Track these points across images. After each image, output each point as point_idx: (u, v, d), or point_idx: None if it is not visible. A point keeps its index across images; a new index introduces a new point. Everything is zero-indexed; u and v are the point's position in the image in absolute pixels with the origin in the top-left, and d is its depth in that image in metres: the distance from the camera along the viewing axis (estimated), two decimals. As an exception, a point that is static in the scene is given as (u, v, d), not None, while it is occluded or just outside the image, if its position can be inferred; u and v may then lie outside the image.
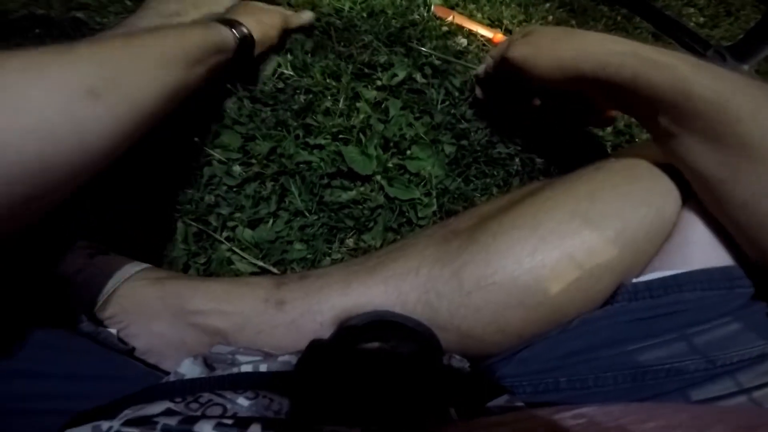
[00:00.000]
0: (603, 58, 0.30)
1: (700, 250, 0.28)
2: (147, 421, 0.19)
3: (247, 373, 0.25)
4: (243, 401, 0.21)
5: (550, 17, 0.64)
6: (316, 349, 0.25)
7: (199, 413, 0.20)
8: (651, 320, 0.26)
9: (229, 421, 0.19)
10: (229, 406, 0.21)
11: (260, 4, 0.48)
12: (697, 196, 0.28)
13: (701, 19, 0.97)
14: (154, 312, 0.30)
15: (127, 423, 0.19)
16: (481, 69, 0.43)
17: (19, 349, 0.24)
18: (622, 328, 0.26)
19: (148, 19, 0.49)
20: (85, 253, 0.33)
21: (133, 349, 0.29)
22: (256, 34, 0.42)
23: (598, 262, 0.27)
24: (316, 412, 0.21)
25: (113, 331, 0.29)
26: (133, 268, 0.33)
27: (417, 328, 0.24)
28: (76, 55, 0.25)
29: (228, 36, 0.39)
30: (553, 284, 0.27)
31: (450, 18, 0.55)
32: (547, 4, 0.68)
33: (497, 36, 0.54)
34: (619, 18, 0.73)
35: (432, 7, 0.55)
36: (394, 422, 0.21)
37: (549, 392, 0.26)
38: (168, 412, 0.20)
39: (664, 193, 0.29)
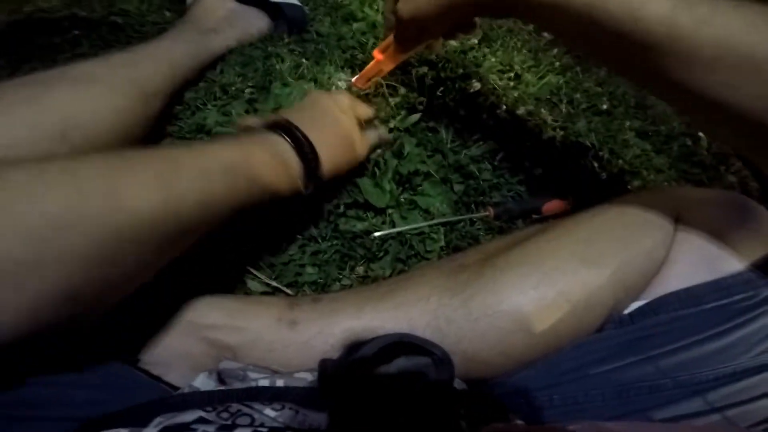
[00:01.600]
0: None
1: (676, 274, 0.31)
2: (185, 428, 0.20)
3: (265, 387, 0.26)
4: (270, 412, 0.22)
5: (557, 63, 0.68)
6: (335, 370, 0.27)
7: (230, 422, 0.21)
8: (631, 342, 0.30)
9: (263, 430, 0.20)
10: (256, 416, 0.22)
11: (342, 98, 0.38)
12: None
13: None
14: (165, 324, 0.31)
15: (164, 430, 0.20)
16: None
17: (25, 357, 0.24)
18: (608, 351, 0.29)
19: (186, 34, 0.51)
20: None
21: (138, 359, 0.30)
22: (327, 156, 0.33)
23: (593, 297, 0.30)
24: (339, 428, 0.23)
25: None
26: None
27: (433, 350, 0.26)
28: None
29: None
30: (552, 314, 0.30)
31: (369, 82, 0.48)
32: (555, 50, 0.71)
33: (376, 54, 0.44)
34: None
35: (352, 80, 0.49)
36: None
37: (544, 409, 0.29)
38: (202, 420, 0.21)
39: (654, 237, 0.32)
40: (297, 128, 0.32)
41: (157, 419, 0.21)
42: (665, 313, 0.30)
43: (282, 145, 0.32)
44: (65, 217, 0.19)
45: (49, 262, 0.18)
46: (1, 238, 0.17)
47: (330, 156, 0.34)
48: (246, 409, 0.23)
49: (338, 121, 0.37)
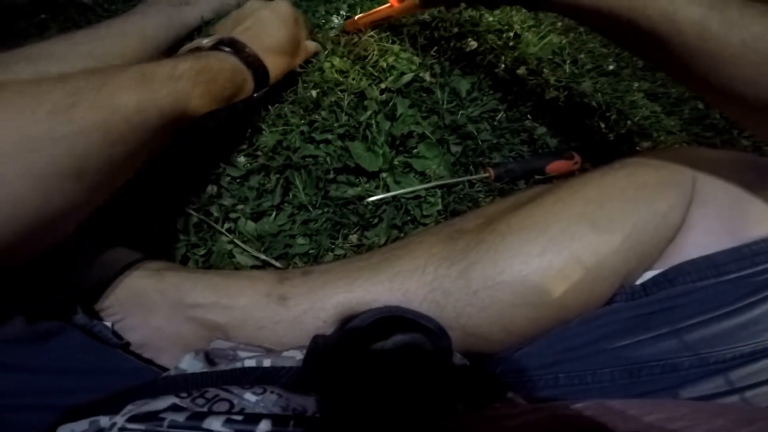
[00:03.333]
0: None
1: (693, 242, 0.29)
2: (153, 416, 0.19)
3: (251, 368, 0.25)
4: (250, 396, 0.21)
5: (559, 23, 0.64)
6: (326, 346, 0.25)
7: (206, 409, 0.20)
8: (645, 317, 0.27)
9: (239, 417, 0.18)
10: (236, 401, 0.20)
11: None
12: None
13: None
14: (152, 305, 0.29)
15: (132, 419, 0.19)
16: None
17: (6, 342, 0.23)
18: (619, 325, 0.27)
19: (157, 6, 0.48)
20: (79, 242, 0.32)
21: (128, 343, 0.29)
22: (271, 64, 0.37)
23: (604, 264, 0.27)
24: (326, 409, 0.21)
25: (108, 323, 0.28)
26: (129, 257, 0.32)
27: (428, 324, 0.24)
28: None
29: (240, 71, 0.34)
30: (559, 285, 0.27)
31: (358, 24, 0.48)
32: (556, 10, 0.67)
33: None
34: None
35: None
36: (404, 417, 0.21)
37: (548, 388, 0.27)
38: (174, 408, 0.19)
39: (670, 198, 0.29)
40: (242, 43, 0.36)
41: (128, 407, 0.20)
42: (682, 284, 0.27)
43: (231, 59, 0.35)
44: (62, 113, 0.22)
45: (58, 139, 0.22)
46: (17, 119, 0.21)
47: (273, 64, 0.38)
48: (224, 394, 0.21)
49: (278, 30, 0.40)
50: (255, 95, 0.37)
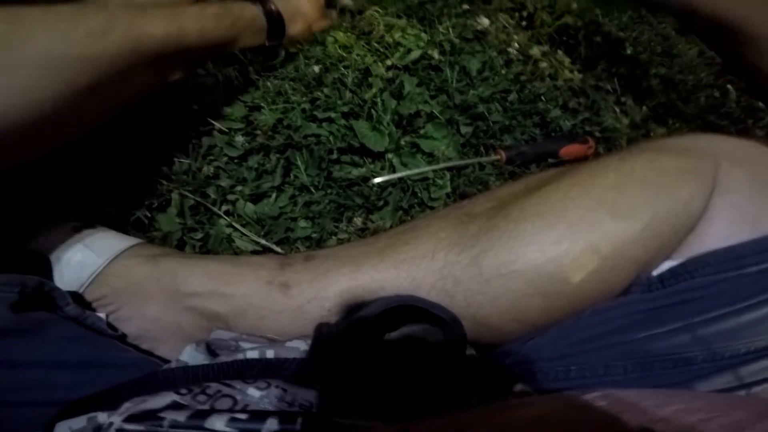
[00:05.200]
0: None
1: (714, 232, 0.28)
2: (152, 415, 0.17)
3: (254, 360, 0.24)
4: (254, 392, 0.19)
5: (574, 4, 0.62)
6: (332, 336, 0.24)
7: (207, 406, 0.18)
8: (661, 309, 0.26)
9: (243, 416, 0.17)
10: (239, 397, 0.19)
11: None
12: None
13: None
14: (148, 294, 0.28)
15: (130, 419, 0.17)
16: None
17: None
18: (634, 317, 0.26)
19: None
20: (69, 228, 0.30)
21: (124, 335, 0.27)
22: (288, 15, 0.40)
23: (622, 254, 0.26)
24: (334, 403, 0.20)
25: (102, 315, 0.27)
26: (123, 243, 0.30)
27: (441, 314, 0.23)
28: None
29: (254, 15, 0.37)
30: (575, 274, 0.26)
31: None
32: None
33: None
34: (643, 12, 0.72)
35: None
36: (415, 410, 0.20)
37: (559, 380, 0.26)
38: (175, 406, 0.18)
39: (692, 187, 0.27)
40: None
41: (126, 405, 0.19)
42: (701, 276, 0.26)
43: (253, 9, 0.38)
44: (97, 37, 0.25)
45: (91, 59, 0.25)
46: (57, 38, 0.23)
47: (292, 21, 0.41)
48: (227, 390, 0.20)
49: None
50: (267, 44, 0.40)
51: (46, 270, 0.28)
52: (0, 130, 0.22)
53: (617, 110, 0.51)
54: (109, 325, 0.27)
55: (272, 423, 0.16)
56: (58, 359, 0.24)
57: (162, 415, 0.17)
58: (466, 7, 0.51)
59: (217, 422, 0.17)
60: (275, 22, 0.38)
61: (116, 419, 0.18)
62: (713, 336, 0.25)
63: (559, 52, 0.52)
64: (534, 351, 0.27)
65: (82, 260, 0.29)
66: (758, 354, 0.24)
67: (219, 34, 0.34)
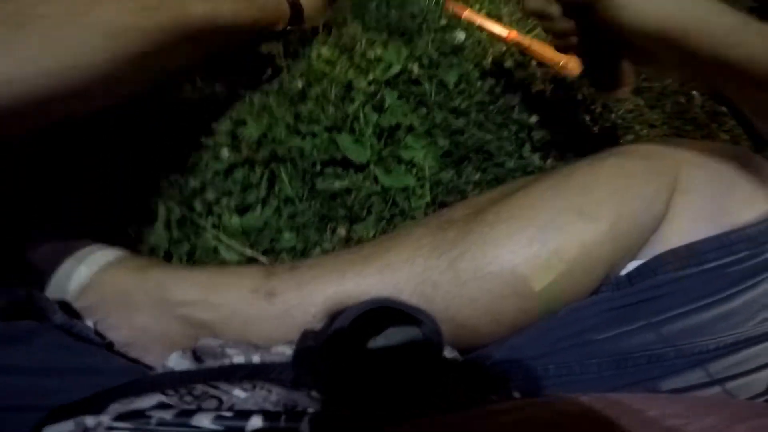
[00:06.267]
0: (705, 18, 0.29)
1: (677, 230, 0.29)
2: (140, 414, 0.18)
3: (240, 365, 0.24)
4: (239, 393, 0.20)
5: None
6: (315, 343, 0.25)
7: (194, 406, 0.19)
8: (629, 307, 0.27)
9: (228, 414, 0.18)
10: (225, 398, 0.20)
11: None
12: None
13: None
14: (135, 303, 0.29)
15: (119, 418, 0.18)
16: None
17: None
18: (605, 316, 0.27)
19: None
20: (59, 241, 0.31)
21: (112, 343, 0.28)
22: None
23: (591, 253, 0.28)
24: (318, 405, 0.21)
25: (90, 323, 0.28)
26: (110, 254, 0.31)
27: (418, 316, 0.24)
28: None
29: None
30: (547, 274, 0.27)
31: (465, 14, 0.54)
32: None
33: (511, 34, 0.53)
34: None
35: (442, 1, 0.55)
36: (394, 412, 0.21)
37: (539, 379, 0.27)
38: (161, 406, 0.19)
39: (655, 188, 0.29)
40: None
41: (114, 405, 0.20)
42: (663, 273, 0.28)
43: None
44: (149, 11, 0.28)
45: (142, 29, 0.28)
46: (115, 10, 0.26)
47: (309, 8, 0.43)
48: (213, 391, 0.21)
49: None
50: (288, 28, 0.43)
51: (37, 281, 0.29)
52: (61, 85, 0.24)
53: (587, 117, 0.53)
54: (97, 333, 0.27)
55: (257, 420, 0.17)
56: (45, 366, 0.24)
57: (149, 413, 0.18)
58: (444, 22, 0.53)
59: (204, 420, 0.17)
60: (296, 8, 0.41)
61: (105, 419, 0.19)
62: (677, 334, 0.26)
63: (532, 63, 0.55)
64: (513, 351, 0.28)
65: (71, 271, 0.29)
66: (727, 350, 0.25)
67: (250, 15, 0.37)
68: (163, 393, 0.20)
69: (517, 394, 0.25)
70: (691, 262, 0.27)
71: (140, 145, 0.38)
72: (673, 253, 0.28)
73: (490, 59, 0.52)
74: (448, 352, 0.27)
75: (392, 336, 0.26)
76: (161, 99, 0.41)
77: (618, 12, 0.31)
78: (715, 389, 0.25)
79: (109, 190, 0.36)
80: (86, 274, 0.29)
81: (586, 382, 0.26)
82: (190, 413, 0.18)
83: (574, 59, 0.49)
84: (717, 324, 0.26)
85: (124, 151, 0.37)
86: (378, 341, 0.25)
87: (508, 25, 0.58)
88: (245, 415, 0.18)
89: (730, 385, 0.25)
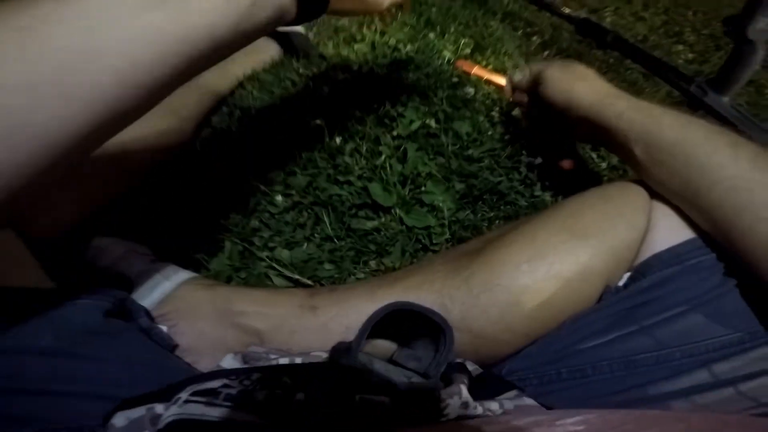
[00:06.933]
0: (603, 97, 0.39)
1: (659, 239, 0.33)
2: (212, 391, 0.22)
3: (285, 365, 0.29)
4: (287, 380, 0.24)
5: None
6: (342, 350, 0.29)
7: (251, 387, 0.24)
8: (627, 311, 0.30)
9: (280, 391, 0.23)
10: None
11: None
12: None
13: (690, 56, 1.03)
14: (203, 312, 0.34)
15: (194, 394, 0.22)
16: (518, 75, 0.50)
17: (87, 333, 0.26)
18: (608, 320, 0.31)
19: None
20: (148, 258, 0.39)
21: (176, 346, 0.32)
22: None
23: (585, 267, 0.32)
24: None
25: (164, 328, 0.33)
26: (188, 274, 0.38)
27: (432, 317, 0.27)
28: None
29: None
30: (547, 285, 0.31)
31: (473, 71, 0.63)
32: (546, 53, 0.75)
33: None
34: (611, 61, 0.81)
35: (452, 60, 0.64)
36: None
37: (552, 383, 0.30)
38: (226, 386, 0.23)
39: (633, 208, 0.34)
40: None
41: (188, 387, 0.24)
42: (651, 273, 0.31)
43: None
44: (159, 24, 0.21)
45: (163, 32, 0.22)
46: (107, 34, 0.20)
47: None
48: (269, 374, 0.26)
49: None
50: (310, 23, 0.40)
51: (127, 288, 0.35)
52: (167, 73, 0.22)
53: (594, 156, 0.58)
54: (167, 338, 0.32)
55: (300, 396, 0.21)
56: (128, 360, 0.27)
57: (219, 390, 0.22)
58: (455, 80, 0.62)
59: (260, 396, 0.22)
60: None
61: (183, 395, 0.22)
62: (676, 335, 0.28)
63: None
64: (526, 360, 0.31)
65: (157, 284, 0.36)
66: (733, 350, 0.27)
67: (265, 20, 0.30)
68: (227, 377, 0.25)
69: (530, 400, 0.28)
70: (674, 262, 0.31)
71: (212, 190, 0.47)
72: (657, 257, 0.32)
73: (498, 109, 0.59)
74: (470, 365, 0.30)
75: (415, 351, 0.29)
76: (228, 155, 0.51)
77: (543, 91, 0.43)
78: (727, 391, 0.26)
79: (186, 223, 0.45)
80: (169, 288, 0.35)
81: (599, 382, 0.29)
82: (252, 390, 0.23)
83: None
84: (712, 325, 0.28)
85: (198, 195, 0.46)
86: (402, 354, 0.30)
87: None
88: (294, 389, 0.22)
89: (744, 387, 0.26)
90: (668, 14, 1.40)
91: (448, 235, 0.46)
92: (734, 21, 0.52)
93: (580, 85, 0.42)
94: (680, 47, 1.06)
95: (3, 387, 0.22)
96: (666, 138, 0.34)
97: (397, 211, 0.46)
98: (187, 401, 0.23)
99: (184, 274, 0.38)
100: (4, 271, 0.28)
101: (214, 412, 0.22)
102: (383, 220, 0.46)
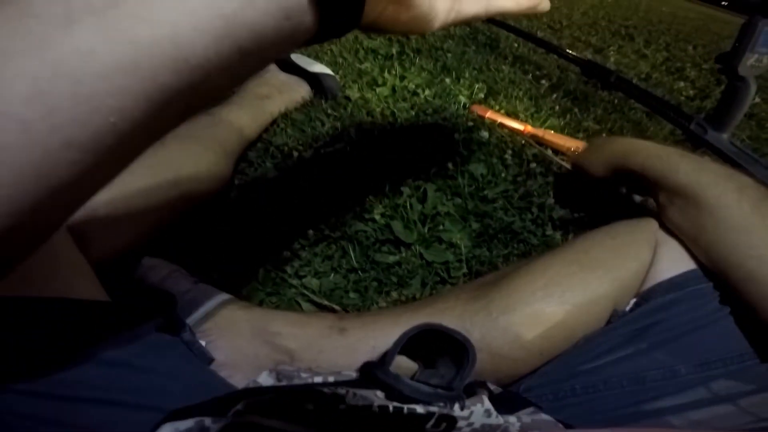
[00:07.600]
0: (630, 153, 0.44)
1: (662, 269, 0.37)
2: (263, 404, 0.24)
3: (325, 382, 0.31)
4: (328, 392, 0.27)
5: (557, 107, 0.76)
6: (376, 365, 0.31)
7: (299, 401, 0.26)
8: (635, 331, 0.33)
9: (324, 403, 0.25)
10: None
11: None
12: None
13: (691, 92, 1.07)
14: (240, 330, 0.37)
15: (246, 407, 0.24)
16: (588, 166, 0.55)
17: (143, 345, 0.27)
18: (617, 340, 0.33)
19: (247, 101, 0.62)
20: (192, 280, 0.42)
21: (213, 360, 0.34)
22: None
23: (594, 293, 0.35)
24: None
25: (203, 342, 0.34)
26: (227, 295, 0.41)
27: (456, 336, 0.30)
28: None
29: None
30: (560, 309, 0.34)
31: (487, 115, 0.68)
32: (554, 95, 0.80)
33: (527, 128, 0.66)
34: (615, 101, 0.85)
35: (467, 104, 0.69)
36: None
37: (567, 398, 0.32)
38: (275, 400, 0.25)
39: (639, 243, 0.39)
40: None
41: (242, 402, 0.25)
42: (654, 299, 0.35)
43: None
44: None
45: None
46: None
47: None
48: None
49: None
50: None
51: (171, 305, 0.35)
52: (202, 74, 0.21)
53: (603, 195, 0.62)
54: (205, 353, 0.34)
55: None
56: (173, 372, 0.28)
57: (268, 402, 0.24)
58: (470, 123, 0.67)
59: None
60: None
61: (240, 406, 0.23)
62: (683, 351, 0.31)
63: (548, 151, 0.66)
64: (542, 378, 0.33)
65: (199, 302, 0.38)
66: (735, 367, 0.30)
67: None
68: (275, 393, 0.27)
69: (546, 416, 0.29)
70: (675, 289, 0.35)
71: (248, 221, 0.52)
72: (659, 285, 0.36)
73: (510, 152, 0.64)
74: (490, 385, 0.32)
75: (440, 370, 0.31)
76: (263, 190, 0.56)
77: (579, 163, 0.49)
78: (727, 407, 0.28)
79: (225, 252, 0.49)
80: (211, 306, 0.38)
81: (611, 397, 0.31)
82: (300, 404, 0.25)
83: (582, 144, 0.61)
84: (713, 343, 0.31)
85: (235, 225, 0.51)
86: (425, 372, 0.32)
87: (524, 120, 0.71)
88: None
89: (745, 402, 0.28)
90: (669, 50, 1.46)
91: (465, 270, 0.49)
92: (725, 58, 0.54)
93: (614, 146, 0.47)
94: (682, 84, 1.11)
95: (62, 395, 0.23)
96: (680, 181, 0.38)
97: (417, 247, 0.50)
98: (241, 412, 0.24)
99: (224, 295, 0.41)
100: (68, 280, 0.28)
101: (269, 423, 0.24)
102: (404, 254, 0.50)
